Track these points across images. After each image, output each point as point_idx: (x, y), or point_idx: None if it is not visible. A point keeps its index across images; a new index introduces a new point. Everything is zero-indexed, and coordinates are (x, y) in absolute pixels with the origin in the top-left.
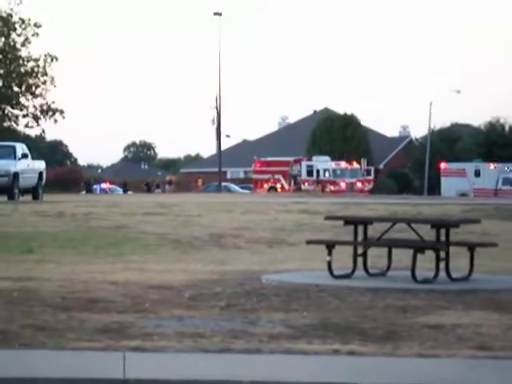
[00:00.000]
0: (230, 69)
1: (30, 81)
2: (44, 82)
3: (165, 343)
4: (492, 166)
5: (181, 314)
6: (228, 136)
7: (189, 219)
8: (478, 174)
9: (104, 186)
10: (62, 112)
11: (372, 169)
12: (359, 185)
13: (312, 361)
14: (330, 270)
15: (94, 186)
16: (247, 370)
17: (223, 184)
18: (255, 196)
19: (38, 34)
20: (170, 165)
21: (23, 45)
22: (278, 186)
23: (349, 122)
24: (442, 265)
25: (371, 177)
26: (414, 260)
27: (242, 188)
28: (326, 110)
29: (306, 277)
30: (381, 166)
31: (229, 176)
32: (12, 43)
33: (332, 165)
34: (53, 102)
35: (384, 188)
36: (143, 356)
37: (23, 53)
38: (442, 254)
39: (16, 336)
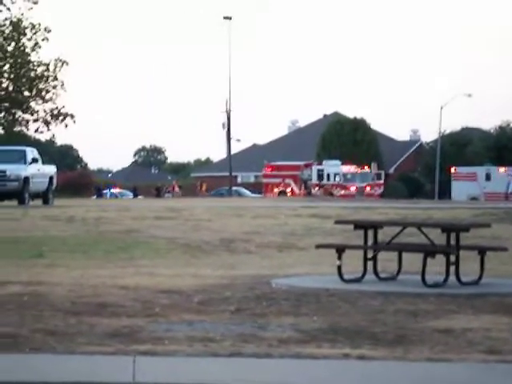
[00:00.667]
0: (240, 73)
1: (41, 85)
2: (54, 87)
3: (175, 347)
4: (502, 169)
5: (191, 318)
6: (238, 140)
7: (199, 223)
8: (488, 177)
9: (114, 190)
10: (72, 116)
11: (382, 173)
12: (369, 189)
13: (322, 365)
14: (339, 274)
15: (105, 191)
16: (257, 374)
17: (234, 188)
18: (265, 200)
19: (47, 39)
20: (180, 169)
21: (33, 49)
22: (288, 190)
23: (359, 126)
24: (452, 269)
25: (381, 181)
26: (424, 264)
27: (251, 192)
28: (336, 114)
29: (316, 281)
30: (391, 171)
31: (239, 180)
32: (22, 48)
33: (342, 169)
34: (63, 107)
35: (394, 192)
36: (153, 360)
37: (33, 57)
38: (452, 258)
39: (26, 340)
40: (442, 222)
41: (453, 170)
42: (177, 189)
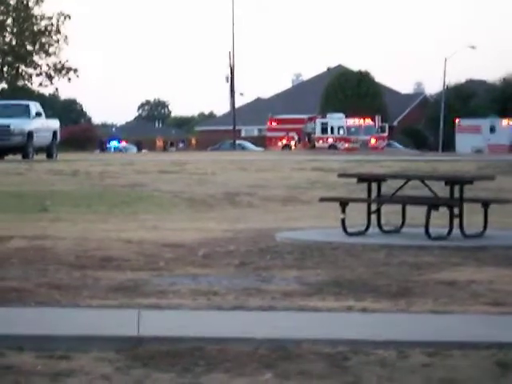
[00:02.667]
0: (244, 26)
1: (43, 39)
2: (57, 41)
3: (179, 301)
4: (506, 121)
5: (195, 272)
6: (242, 94)
7: (203, 177)
8: (492, 130)
9: (120, 144)
10: (75, 71)
11: (386, 126)
12: (373, 141)
13: (325, 317)
14: (343, 227)
15: (108, 145)
16: (261, 327)
17: (237, 142)
18: (269, 154)
19: None
20: (184, 123)
21: (36, 3)
22: (292, 143)
23: (363, 79)
24: (456, 222)
25: (386, 134)
26: (427, 217)
27: (255, 146)
28: (340, 67)
29: (320, 234)
30: (395, 123)
31: (243, 134)
32: (25, 2)
33: (346, 122)
34: (66, 61)
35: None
36: (158, 314)
37: (36, 11)
38: (456, 211)
39: (31, 294)
40: (445, 175)
41: (456, 121)
42: (181, 144)
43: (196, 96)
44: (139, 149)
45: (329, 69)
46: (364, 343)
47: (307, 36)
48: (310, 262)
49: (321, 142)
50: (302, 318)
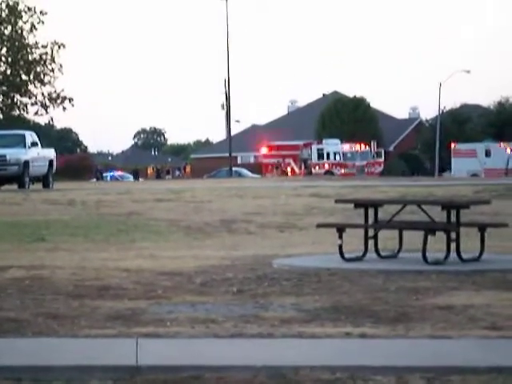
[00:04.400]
0: (239, 54)
1: (38, 68)
2: (52, 70)
3: (177, 329)
4: (502, 145)
5: (193, 299)
6: (237, 121)
7: (200, 205)
8: (488, 154)
9: (116, 173)
10: (70, 100)
11: (382, 151)
12: (369, 167)
13: (324, 344)
14: (341, 253)
15: (105, 174)
16: (260, 354)
17: (234, 169)
18: (265, 181)
19: (43, 22)
20: (180, 151)
21: (30, 31)
22: (289, 169)
23: (358, 105)
24: (453, 246)
25: (381, 159)
26: (424, 241)
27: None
28: (335, 93)
29: (317, 260)
30: (391, 148)
31: (239, 161)
32: (19, 31)
33: (342, 148)
34: (62, 90)
35: (394, 170)
36: (156, 342)
37: (30, 40)
38: (453, 235)
39: (29, 324)
40: (441, 199)
41: (452, 145)
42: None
43: (192, 123)
44: (136, 177)
45: (324, 95)
46: (363, 369)
47: (302, 63)
48: (308, 289)
49: (317, 167)
50: (300, 344)
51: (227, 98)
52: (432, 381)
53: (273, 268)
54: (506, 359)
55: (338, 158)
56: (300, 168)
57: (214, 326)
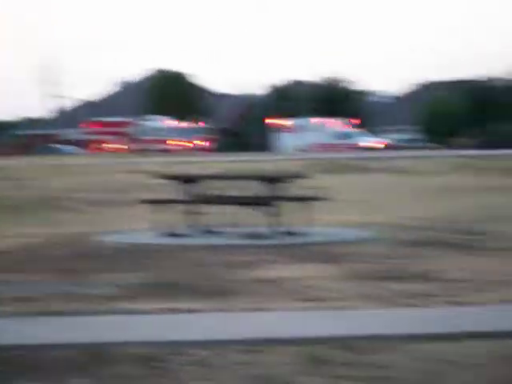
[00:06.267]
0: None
1: None
2: None
3: None
4: (315, 120)
5: (14, 278)
6: (64, 97)
7: (22, 182)
8: (305, 129)
9: None
10: None
11: (208, 127)
12: (196, 143)
13: (145, 320)
14: (162, 228)
15: None
16: (81, 332)
17: (58, 146)
18: (90, 157)
19: None
20: (4, 127)
21: None
22: (114, 146)
23: (181, 81)
24: (275, 220)
25: (209, 135)
26: (245, 216)
27: (76, 149)
28: (160, 70)
29: (141, 237)
30: (217, 125)
31: (65, 137)
32: None
33: (166, 124)
34: None
35: (223, 147)
36: None
37: None
38: (274, 209)
39: None
40: (261, 174)
41: (269, 121)
42: None
43: (14, 100)
44: None
45: (150, 72)
46: (181, 344)
47: (129, 41)
48: (130, 265)
49: (143, 144)
50: (123, 321)
51: (52, 73)
52: (248, 353)
53: (95, 244)
54: (319, 330)
55: (163, 134)
56: (126, 144)
57: (35, 304)
